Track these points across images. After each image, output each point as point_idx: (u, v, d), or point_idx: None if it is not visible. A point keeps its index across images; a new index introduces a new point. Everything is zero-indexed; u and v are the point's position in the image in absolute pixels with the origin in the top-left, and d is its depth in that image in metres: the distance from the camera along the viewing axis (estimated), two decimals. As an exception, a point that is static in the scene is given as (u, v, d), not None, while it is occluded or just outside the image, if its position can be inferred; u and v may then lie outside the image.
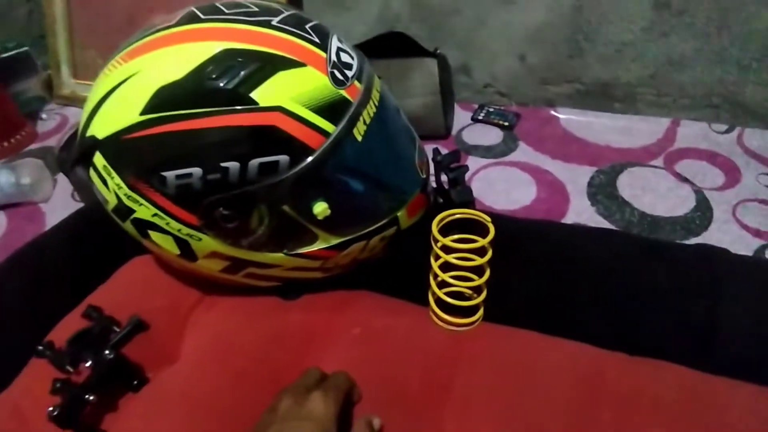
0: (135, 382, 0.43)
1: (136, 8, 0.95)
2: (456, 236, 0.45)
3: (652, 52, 0.81)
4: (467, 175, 0.79)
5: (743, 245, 0.65)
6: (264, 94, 0.37)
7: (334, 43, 0.42)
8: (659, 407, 0.39)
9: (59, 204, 0.85)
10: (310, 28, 0.41)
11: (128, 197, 0.40)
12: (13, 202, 0.85)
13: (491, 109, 0.94)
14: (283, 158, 0.38)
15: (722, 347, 0.44)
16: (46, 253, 0.56)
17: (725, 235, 0.67)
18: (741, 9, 0.74)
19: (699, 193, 0.73)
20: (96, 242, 0.56)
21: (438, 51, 0.85)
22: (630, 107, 0.88)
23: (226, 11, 0.40)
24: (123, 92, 0.38)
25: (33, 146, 1.01)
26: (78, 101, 1.07)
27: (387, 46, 0.83)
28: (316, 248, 0.45)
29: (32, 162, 0.88)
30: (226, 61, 0.37)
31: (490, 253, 0.44)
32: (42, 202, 0.86)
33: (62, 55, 1.06)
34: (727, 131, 0.83)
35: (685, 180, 0.75)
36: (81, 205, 0.69)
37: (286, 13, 0.41)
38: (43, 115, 1.09)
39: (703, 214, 0.70)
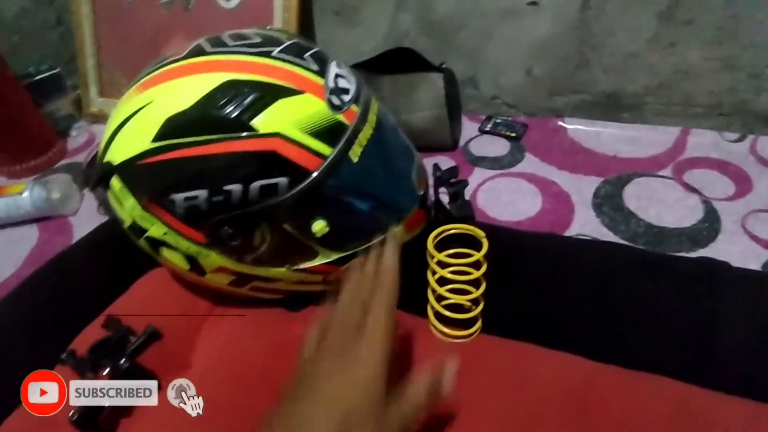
0: (149, 389, 0.46)
1: (157, 33, 1.01)
2: (452, 251, 0.47)
3: (659, 62, 0.80)
4: (472, 187, 0.80)
5: (752, 257, 0.64)
6: (265, 121, 0.39)
7: (333, 70, 0.44)
8: (651, 421, 0.39)
9: (86, 217, 0.90)
10: (309, 56, 0.43)
11: (142, 217, 0.43)
12: (44, 216, 0.90)
13: (498, 121, 0.94)
14: (282, 180, 0.40)
15: (720, 362, 0.44)
16: (71, 267, 0.60)
17: (733, 246, 0.66)
18: (750, 16, 0.73)
19: (707, 203, 0.72)
20: (116, 255, 0.59)
21: (444, 65, 0.87)
22: (638, 117, 0.87)
23: (231, 43, 0.43)
24: (136, 121, 0.41)
25: (63, 162, 1.07)
26: (105, 118, 1.12)
27: (394, 62, 0.84)
28: (317, 263, 0.47)
29: (62, 177, 0.93)
30: (229, 91, 0.39)
31: (485, 267, 0.46)
32: (70, 215, 0.91)
33: (91, 75, 1.12)
34: (738, 140, 0.82)
35: (694, 190, 0.74)
36: (105, 218, 0.74)
37: (287, 43, 0.44)
38: (73, 132, 1.15)
39: (711, 225, 0.69)
